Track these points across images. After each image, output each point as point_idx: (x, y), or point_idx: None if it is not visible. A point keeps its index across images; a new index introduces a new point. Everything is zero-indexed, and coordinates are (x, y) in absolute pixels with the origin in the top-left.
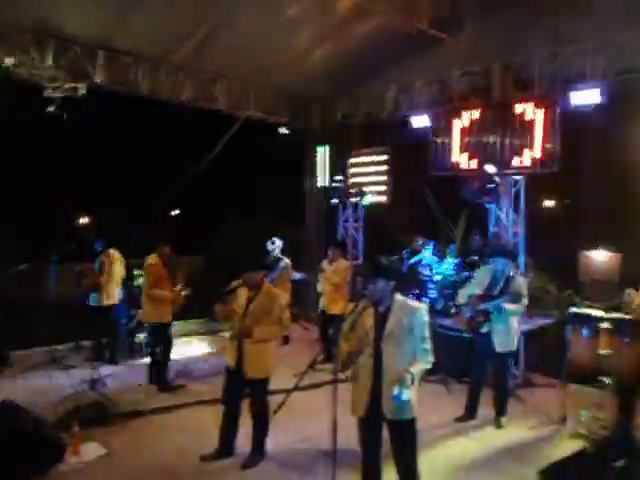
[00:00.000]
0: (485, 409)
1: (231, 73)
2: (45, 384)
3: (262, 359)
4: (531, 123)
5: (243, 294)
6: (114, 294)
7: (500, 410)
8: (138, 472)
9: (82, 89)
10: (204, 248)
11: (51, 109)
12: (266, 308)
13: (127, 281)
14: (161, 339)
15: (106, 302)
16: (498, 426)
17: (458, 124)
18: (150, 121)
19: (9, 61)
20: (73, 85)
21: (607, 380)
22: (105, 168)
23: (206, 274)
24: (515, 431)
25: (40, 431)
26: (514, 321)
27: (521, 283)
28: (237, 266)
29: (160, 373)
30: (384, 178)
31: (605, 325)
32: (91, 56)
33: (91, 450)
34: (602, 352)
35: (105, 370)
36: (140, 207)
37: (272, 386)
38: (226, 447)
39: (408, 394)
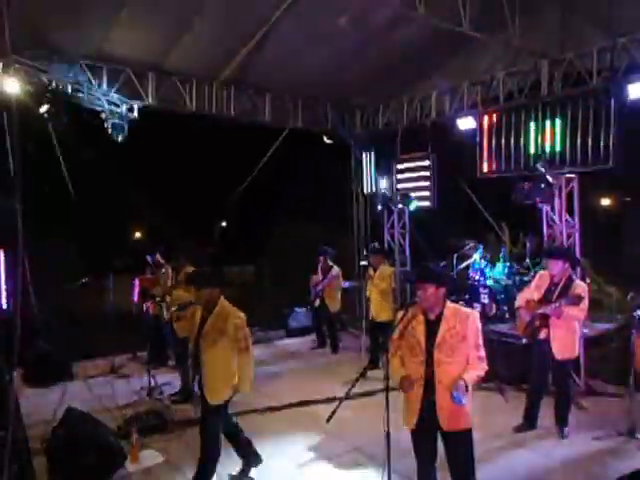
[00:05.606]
0: (545, 419)
1: (275, 86)
2: (106, 392)
3: (218, 383)
4: (585, 119)
5: (198, 313)
6: None
7: (562, 420)
8: None
9: (135, 110)
10: (253, 257)
11: (108, 130)
12: (220, 329)
13: None
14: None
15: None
16: (561, 437)
17: (510, 123)
18: (199, 137)
19: (68, 87)
20: (127, 106)
21: None
22: (158, 184)
23: (256, 283)
24: (579, 442)
25: (102, 438)
26: (574, 326)
27: (581, 286)
28: (284, 275)
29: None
30: (428, 183)
31: None
32: (142, 77)
33: (150, 457)
34: None
35: (162, 378)
36: (191, 221)
37: (322, 395)
38: None
39: (465, 398)
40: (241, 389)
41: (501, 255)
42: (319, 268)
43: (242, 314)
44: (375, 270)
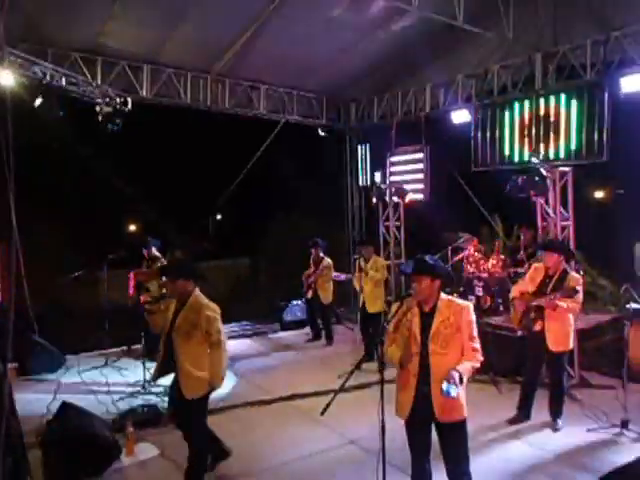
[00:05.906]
0: (539, 411)
1: (269, 79)
2: (101, 386)
3: (194, 377)
4: (579, 112)
5: (172, 306)
6: None
7: (556, 412)
8: None
9: (129, 103)
10: (248, 250)
11: (103, 123)
12: (192, 321)
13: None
14: None
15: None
16: (555, 429)
17: (504, 117)
18: (194, 130)
19: (63, 80)
20: (121, 100)
21: None
22: (153, 177)
23: (251, 277)
24: (573, 434)
25: (98, 432)
26: (569, 319)
27: (575, 279)
28: (280, 269)
29: None
30: (422, 176)
31: None
32: (137, 71)
33: (145, 450)
34: None
35: None
36: (187, 214)
37: (317, 387)
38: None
39: (456, 390)
40: (214, 386)
41: (496, 247)
42: (311, 260)
43: (216, 307)
44: (367, 261)
